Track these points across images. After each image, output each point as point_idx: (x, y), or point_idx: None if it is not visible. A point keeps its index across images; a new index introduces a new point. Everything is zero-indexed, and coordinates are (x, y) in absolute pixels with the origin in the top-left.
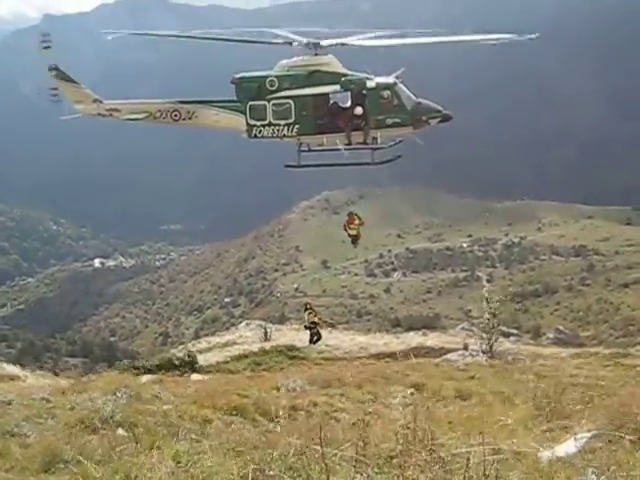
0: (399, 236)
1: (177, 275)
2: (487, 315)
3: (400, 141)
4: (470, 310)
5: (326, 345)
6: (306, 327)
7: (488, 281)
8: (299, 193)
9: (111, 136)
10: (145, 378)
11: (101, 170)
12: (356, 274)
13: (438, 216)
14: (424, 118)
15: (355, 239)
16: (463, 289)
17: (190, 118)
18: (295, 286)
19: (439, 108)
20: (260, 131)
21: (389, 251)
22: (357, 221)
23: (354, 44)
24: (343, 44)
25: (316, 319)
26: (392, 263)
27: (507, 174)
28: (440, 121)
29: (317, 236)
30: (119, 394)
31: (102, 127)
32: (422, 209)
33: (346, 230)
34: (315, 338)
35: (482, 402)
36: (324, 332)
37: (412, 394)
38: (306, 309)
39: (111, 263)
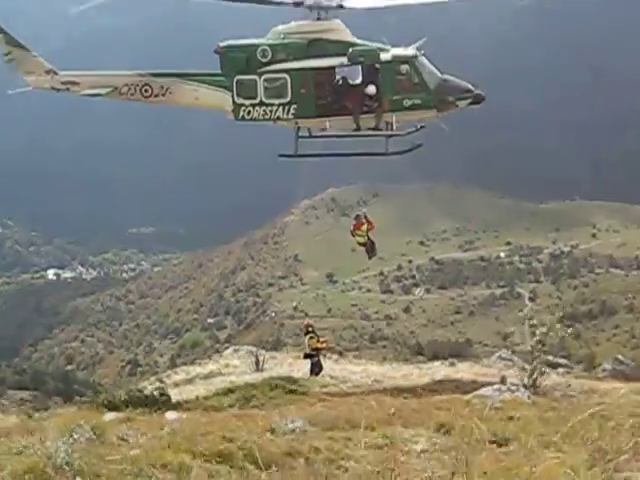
0: (422, 243)
1: (149, 290)
2: (530, 341)
3: (421, 127)
4: (509, 335)
5: (331, 377)
6: (307, 355)
7: (531, 299)
8: (299, 190)
9: (71, 121)
10: (109, 416)
11: (57, 162)
12: (369, 290)
13: (470, 219)
14: (451, 99)
15: (369, 249)
16: (500, 309)
17: (164, 95)
18: (294, 304)
19: (469, 87)
20: (249, 112)
21: (409, 262)
22: (364, 226)
23: (364, 6)
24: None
25: (319, 345)
26: (413, 277)
27: (555, 169)
28: (471, 103)
29: (321, 243)
30: (77, 436)
31: (60, 109)
32: (450, 210)
33: (354, 237)
34: (316, 369)
35: (524, 449)
36: (329, 361)
37: (437, 438)
38: (307, 332)
39: (68, 275)
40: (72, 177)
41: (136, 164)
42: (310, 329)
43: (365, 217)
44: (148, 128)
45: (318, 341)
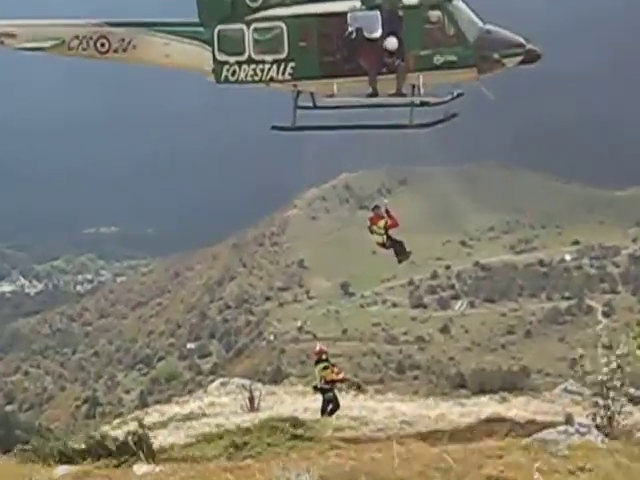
0: (463, 244)
1: (111, 307)
2: (605, 369)
3: (458, 95)
4: (577, 361)
5: (349, 418)
6: (317, 388)
7: (606, 314)
8: (303, 176)
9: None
10: (62, 470)
11: None
12: (395, 305)
13: (525, 212)
14: (496, 56)
15: (397, 251)
16: (566, 327)
17: (125, 50)
18: (298, 324)
19: (520, 41)
20: (234, 72)
21: (447, 268)
22: (382, 221)
23: None
24: None
25: (335, 377)
26: (452, 287)
27: (634, 147)
28: (522, 61)
29: (333, 244)
30: None
31: None
32: (498, 200)
33: (372, 233)
34: (331, 406)
35: None
36: (345, 397)
37: None
38: (319, 360)
39: (6, 288)
40: (6, 166)
41: (91, 147)
42: (323, 356)
43: (386, 210)
44: (105, 98)
45: (333, 372)
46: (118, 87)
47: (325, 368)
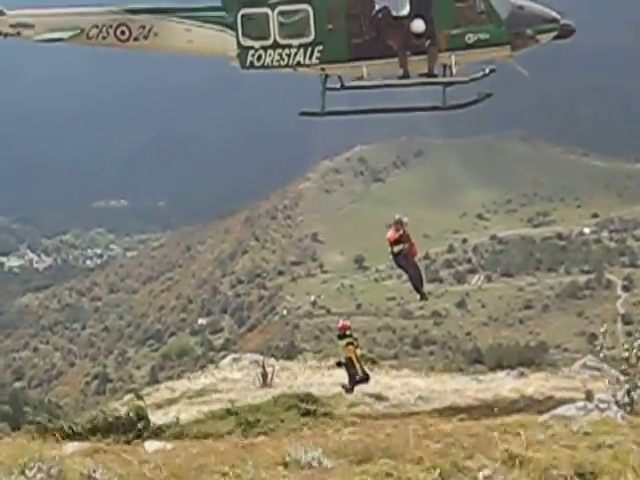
0: (480, 217)
1: (121, 282)
2: (626, 345)
3: (491, 71)
4: (596, 336)
5: (364, 394)
6: (341, 364)
7: (625, 288)
8: (316, 148)
9: (13, 66)
10: (71, 447)
11: None
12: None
13: (543, 184)
14: (529, 32)
15: (413, 277)
16: (584, 302)
17: (146, 37)
18: (312, 299)
19: (554, 15)
20: (260, 57)
21: (464, 241)
22: (400, 242)
23: None
24: None
25: (356, 360)
26: (469, 261)
27: None
28: (556, 37)
29: (347, 218)
30: (30, 473)
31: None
32: (517, 173)
33: (391, 247)
34: (357, 378)
35: None
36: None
37: (505, 473)
38: (344, 335)
39: (14, 263)
40: (15, 139)
41: (102, 119)
42: (348, 331)
43: (401, 225)
44: (120, 73)
45: (359, 356)
46: (134, 66)
47: (349, 344)
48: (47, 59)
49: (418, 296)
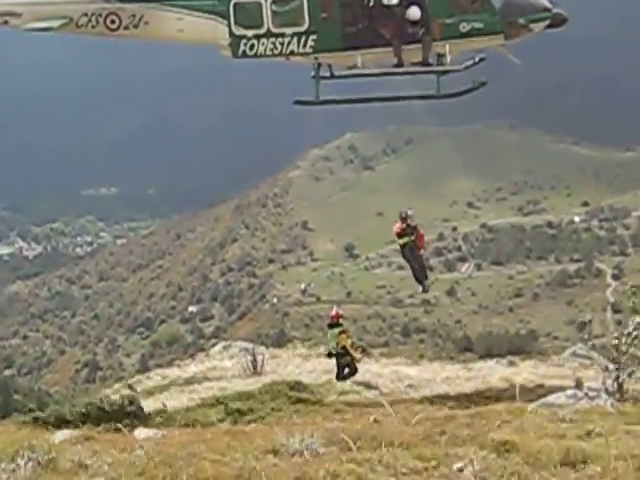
0: (470, 205)
1: (111, 270)
2: (615, 333)
3: (481, 60)
4: (586, 324)
5: (352, 382)
6: (332, 355)
7: (615, 277)
8: (306, 135)
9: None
10: (62, 435)
11: None
12: (401, 267)
13: (534, 172)
14: (522, 21)
15: (417, 274)
16: (574, 290)
17: (136, 26)
18: (302, 287)
19: (546, 5)
20: (253, 46)
21: (454, 229)
22: (409, 235)
23: None
24: None
25: (351, 349)
26: (459, 249)
27: None
28: (549, 26)
29: (337, 206)
30: (20, 461)
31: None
32: (506, 161)
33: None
34: (347, 371)
35: (607, 473)
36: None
37: (494, 460)
38: (335, 324)
39: (4, 251)
40: (6, 125)
41: (91, 106)
42: (338, 320)
43: (406, 218)
44: (106, 58)
45: (352, 344)
46: (115, 50)
47: (341, 333)
48: (34, 44)
49: (420, 287)
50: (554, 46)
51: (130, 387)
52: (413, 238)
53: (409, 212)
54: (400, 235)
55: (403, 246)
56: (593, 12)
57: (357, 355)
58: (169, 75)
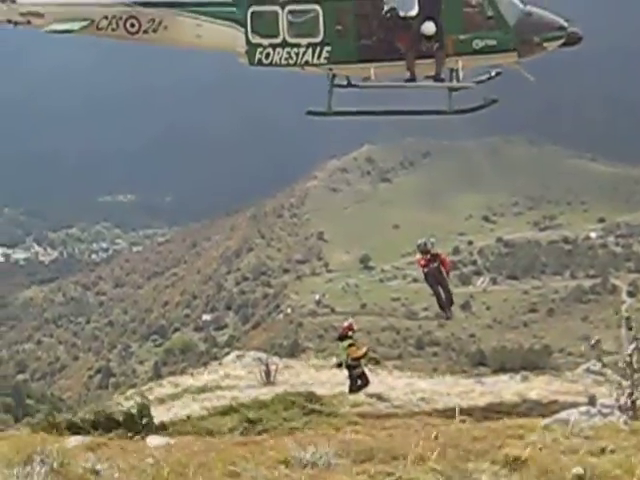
0: (486, 219)
1: (126, 276)
2: (629, 349)
3: (497, 74)
4: (600, 341)
5: (366, 394)
6: (341, 365)
7: (631, 294)
8: (323, 147)
9: (17, 57)
10: (74, 441)
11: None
12: (415, 280)
13: (551, 187)
14: (537, 39)
15: (442, 304)
16: (589, 306)
17: (155, 31)
18: (316, 297)
19: (561, 23)
20: (268, 55)
21: (470, 243)
22: (435, 262)
23: None
24: None
25: (360, 353)
26: (474, 263)
27: None
28: (563, 44)
29: (353, 217)
30: (32, 467)
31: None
32: (523, 176)
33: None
34: (359, 383)
35: None
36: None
37: (506, 476)
38: (345, 337)
39: (20, 255)
40: (21, 131)
41: (109, 114)
42: (350, 333)
43: (430, 249)
44: (125, 66)
45: (358, 349)
46: (139, 60)
47: (351, 345)
48: (53, 52)
49: (444, 314)
50: (573, 60)
51: (143, 396)
52: (436, 265)
53: (431, 240)
54: (424, 266)
55: (427, 274)
56: (612, 24)
57: (364, 352)
58: (188, 83)
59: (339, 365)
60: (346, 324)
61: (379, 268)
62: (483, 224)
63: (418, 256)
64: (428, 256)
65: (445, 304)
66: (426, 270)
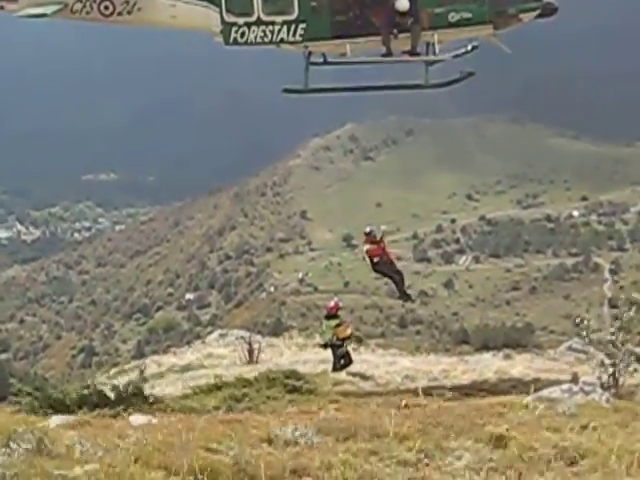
0: (469, 197)
1: (109, 255)
2: (611, 327)
3: (474, 48)
4: (582, 319)
5: (348, 373)
6: (327, 345)
7: (613, 272)
8: (307, 125)
9: None
10: (56, 420)
11: None
12: (399, 258)
13: (533, 166)
14: (512, 10)
15: (400, 290)
16: (572, 284)
17: (130, 12)
18: (299, 276)
19: None
20: (243, 34)
21: (452, 221)
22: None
23: None
24: None
25: (347, 333)
26: (457, 241)
27: None
28: (539, 15)
29: (336, 195)
30: (14, 445)
31: None
32: (506, 154)
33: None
34: (343, 362)
35: (601, 467)
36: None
37: (488, 453)
38: (331, 316)
39: (2, 234)
40: (5, 111)
41: (90, 91)
42: (335, 311)
43: (371, 236)
44: (104, 44)
45: (347, 328)
46: (117, 36)
47: (338, 325)
48: (34, 29)
49: (402, 299)
50: (554, 39)
51: (141, 372)
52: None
53: (382, 227)
54: (376, 255)
55: (377, 263)
56: (594, 4)
57: (350, 333)
58: (170, 60)
59: (324, 346)
60: (332, 303)
61: (362, 247)
62: (466, 202)
63: (368, 246)
64: (376, 246)
65: (403, 288)
66: (377, 259)
